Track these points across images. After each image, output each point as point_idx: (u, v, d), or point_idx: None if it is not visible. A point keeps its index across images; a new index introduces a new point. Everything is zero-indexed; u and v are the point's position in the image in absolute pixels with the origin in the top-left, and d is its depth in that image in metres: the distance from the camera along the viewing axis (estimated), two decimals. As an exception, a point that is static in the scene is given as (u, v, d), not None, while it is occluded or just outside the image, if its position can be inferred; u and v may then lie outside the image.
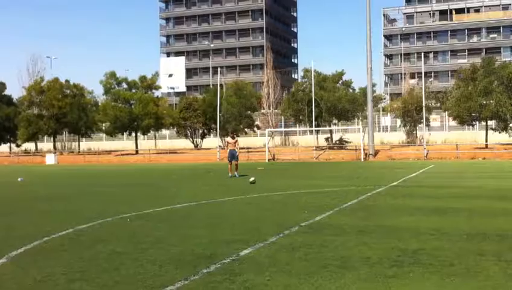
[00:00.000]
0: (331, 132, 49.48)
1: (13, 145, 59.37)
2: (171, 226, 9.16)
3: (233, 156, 21.98)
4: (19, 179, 22.65)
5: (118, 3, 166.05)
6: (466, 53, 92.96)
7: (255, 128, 54.20)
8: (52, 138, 57.87)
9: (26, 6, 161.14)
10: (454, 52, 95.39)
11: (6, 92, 59.64)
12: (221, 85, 48.63)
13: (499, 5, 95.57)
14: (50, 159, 46.59)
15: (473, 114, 40.37)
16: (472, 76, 41.10)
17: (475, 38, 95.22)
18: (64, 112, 52.61)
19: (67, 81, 55.87)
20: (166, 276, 5.78)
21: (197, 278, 5.65)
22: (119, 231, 8.88)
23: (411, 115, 46.38)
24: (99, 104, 55.66)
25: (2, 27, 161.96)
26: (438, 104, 48.40)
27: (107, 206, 12.59)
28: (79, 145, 59.78)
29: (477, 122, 43.32)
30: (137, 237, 8.15)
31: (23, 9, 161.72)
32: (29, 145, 60.74)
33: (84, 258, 6.74)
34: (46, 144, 63.28)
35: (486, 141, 40.93)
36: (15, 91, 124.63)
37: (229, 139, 23.05)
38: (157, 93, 58.55)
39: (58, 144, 60.45)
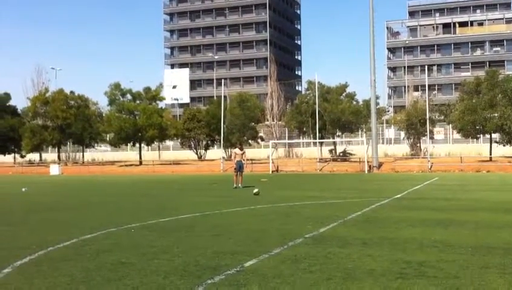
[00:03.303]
0: (334, 144, 49.45)
1: (17, 156, 59.51)
2: (176, 237, 9.16)
3: (240, 167, 22.05)
4: (23, 189, 22.71)
5: (123, 16, 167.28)
6: (469, 66, 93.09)
7: (259, 140, 54.23)
8: (56, 149, 57.97)
9: (31, 18, 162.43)
10: (457, 65, 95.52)
11: (11, 103, 59.93)
12: (225, 97, 48.79)
13: (502, 19, 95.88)
14: (54, 170, 46.71)
15: (477, 127, 40.31)
16: (476, 89, 41.13)
17: (478, 52, 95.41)
18: (68, 122, 52.77)
19: (72, 92, 56.11)
20: (170, 286, 5.78)
21: (202, 289, 5.65)
22: (123, 241, 8.88)
23: (415, 127, 46.33)
24: (104, 115, 55.84)
25: (7, 37, 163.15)
26: (442, 117, 48.39)
27: (111, 216, 12.61)
28: (83, 155, 59.87)
29: (481, 135, 43.24)
30: (141, 248, 8.15)
31: (29, 21, 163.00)
32: (34, 156, 60.89)
33: (89, 268, 6.74)
34: (50, 155, 63.39)
35: (491, 154, 40.85)
36: (19, 101, 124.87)
37: (236, 150, 23.11)
38: (161, 104, 58.73)
39: (63, 155, 60.52)
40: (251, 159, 42.04)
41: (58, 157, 57.25)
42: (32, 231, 10.37)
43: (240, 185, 21.72)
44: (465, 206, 13.63)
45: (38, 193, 22.11)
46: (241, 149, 23.03)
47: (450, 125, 46.41)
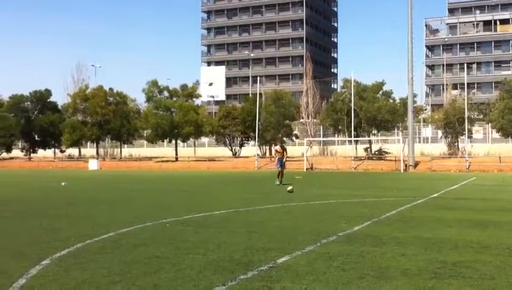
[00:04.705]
0: (370, 142, 48.95)
1: (57, 151, 60.86)
2: (210, 232, 9.26)
3: (281, 164, 22.32)
4: (63, 184, 23.15)
5: (161, 14, 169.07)
6: (510, 64, 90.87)
7: (294, 138, 54.12)
8: (95, 144, 59.08)
9: (71, 12, 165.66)
10: (498, 64, 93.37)
11: (52, 99, 61.27)
12: (260, 94, 48.80)
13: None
14: (93, 165, 47.53)
15: (517, 127, 39.38)
16: (517, 88, 40.16)
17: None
18: (107, 119, 53.71)
19: (110, 89, 57.02)
20: (204, 281, 5.86)
21: (235, 284, 5.71)
22: (158, 235, 9.03)
23: (453, 126, 45.47)
24: (141, 111, 56.55)
25: (49, 33, 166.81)
26: (481, 116, 47.35)
27: (147, 211, 12.81)
28: (121, 151, 60.79)
29: (521, 135, 42.19)
30: (176, 242, 8.28)
31: (69, 17, 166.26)
32: (73, 151, 62.13)
33: (125, 261, 6.89)
34: (89, 150, 64.64)
35: (531, 154, 39.80)
36: (60, 98, 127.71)
37: (277, 148, 23.73)
38: (197, 101, 59.14)
39: (101, 150, 61.57)
40: (286, 157, 41.98)
41: (97, 152, 58.32)
42: (71, 224, 10.63)
43: (278, 181, 21.97)
44: (503, 207, 13.36)
45: (77, 187, 22.56)
46: (282, 147, 23.38)
47: (489, 124, 45.41)
